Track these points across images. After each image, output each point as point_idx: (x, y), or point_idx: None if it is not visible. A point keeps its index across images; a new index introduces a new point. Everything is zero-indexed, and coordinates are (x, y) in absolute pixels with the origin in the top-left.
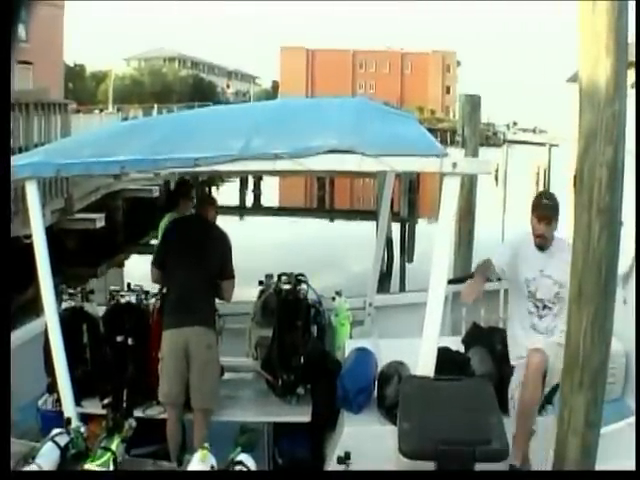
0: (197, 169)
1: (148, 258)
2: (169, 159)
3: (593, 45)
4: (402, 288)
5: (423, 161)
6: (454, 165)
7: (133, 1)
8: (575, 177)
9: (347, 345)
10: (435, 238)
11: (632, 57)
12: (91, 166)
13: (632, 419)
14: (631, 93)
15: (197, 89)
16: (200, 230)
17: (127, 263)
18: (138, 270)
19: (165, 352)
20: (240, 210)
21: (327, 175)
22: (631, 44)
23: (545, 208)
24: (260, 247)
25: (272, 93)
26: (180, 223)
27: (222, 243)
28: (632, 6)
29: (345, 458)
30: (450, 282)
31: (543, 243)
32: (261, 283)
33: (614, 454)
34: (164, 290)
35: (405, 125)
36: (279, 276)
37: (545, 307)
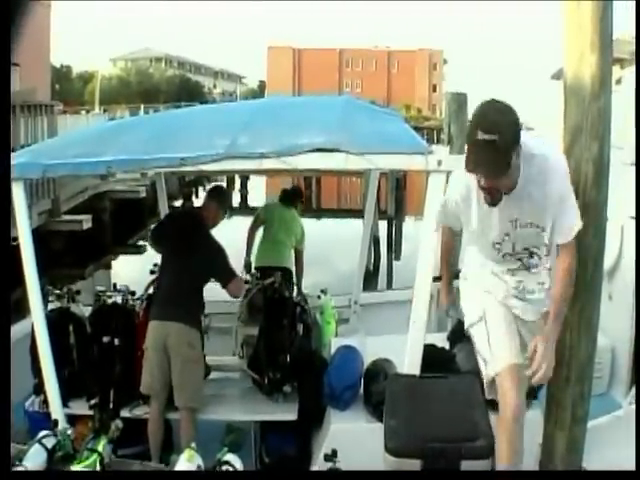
0: (183, 168)
1: (135, 259)
2: (155, 159)
3: (578, 41)
4: (389, 286)
5: (408, 159)
6: (439, 163)
7: (119, 1)
8: None
9: (333, 343)
10: (421, 235)
11: (618, 53)
12: (78, 166)
13: (619, 412)
14: (616, 89)
15: (184, 89)
16: (191, 233)
17: (114, 264)
18: (126, 271)
19: (148, 343)
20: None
21: (314, 174)
22: (617, 40)
23: (481, 149)
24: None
25: (259, 92)
26: (176, 217)
27: (210, 254)
28: (632, 6)
29: (332, 456)
30: (436, 279)
31: (494, 200)
32: (247, 282)
33: (601, 447)
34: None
35: (390, 123)
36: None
37: (533, 254)
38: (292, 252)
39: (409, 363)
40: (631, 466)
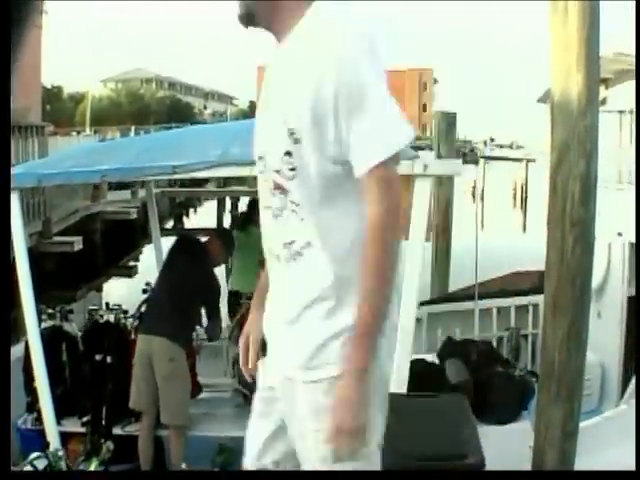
0: (176, 176)
1: (127, 281)
2: (148, 167)
3: (564, 59)
4: None
5: None
6: (425, 167)
7: (110, 22)
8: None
9: None
10: (408, 245)
11: (602, 73)
12: (72, 175)
13: (609, 413)
14: (602, 108)
15: (174, 110)
16: (195, 261)
17: (106, 286)
18: (117, 293)
19: (135, 357)
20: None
21: None
22: (601, 58)
23: None
24: None
25: (249, 113)
26: (182, 243)
27: (206, 287)
28: (632, 6)
29: None
30: (425, 303)
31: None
32: (238, 302)
33: (590, 450)
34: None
35: None
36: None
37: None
38: None
39: (396, 382)
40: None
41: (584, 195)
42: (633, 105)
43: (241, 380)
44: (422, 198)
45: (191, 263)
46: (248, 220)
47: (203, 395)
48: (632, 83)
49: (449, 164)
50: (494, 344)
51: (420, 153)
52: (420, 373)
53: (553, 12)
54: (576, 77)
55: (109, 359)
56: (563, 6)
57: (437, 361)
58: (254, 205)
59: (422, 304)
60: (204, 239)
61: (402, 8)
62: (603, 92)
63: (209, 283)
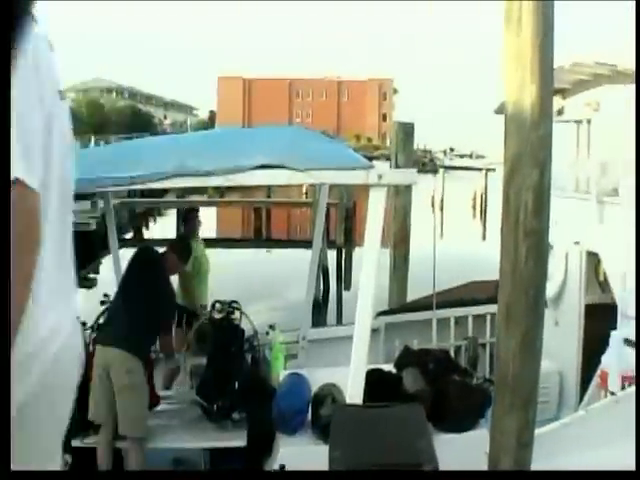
0: (132, 187)
1: (86, 292)
2: (105, 177)
3: (518, 69)
4: (339, 316)
5: (350, 174)
6: (380, 177)
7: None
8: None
9: (282, 378)
10: (364, 253)
11: (559, 83)
12: None
13: (566, 419)
14: (559, 118)
15: (135, 120)
16: (151, 273)
17: None
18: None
19: (93, 369)
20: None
21: (263, 205)
22: (559, 69)
23: None
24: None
25: (209, 123)
26: (141, 255)
27: (161, 300)
28: (632, 6)
29: (280, 469)
30: (383, 313)
31: None
32: (194, 313)
33: (547, 457)
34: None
35: (334, 144)
36: (213, 304)
37: None
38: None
39: (352, 393)
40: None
41: (537, 205)
42: (590, 115)
43: (199, 391)
44: (377, 207)
45: (149, 275)
46: (183, 245)
47: (161, 407)
48: (589, 93)
49: (404, 173)
50: (452, 353)
51: (375, 163)
52: (377, 383)
53: (507, 23)
54: (530, 88)
55: None
56: (517, 17)
57: (394, 371)
58: (190, 218)
59: (380, 314)
60: (162, 250)
61: (363, 18)
62: (560, 102)
63: (166, 295)
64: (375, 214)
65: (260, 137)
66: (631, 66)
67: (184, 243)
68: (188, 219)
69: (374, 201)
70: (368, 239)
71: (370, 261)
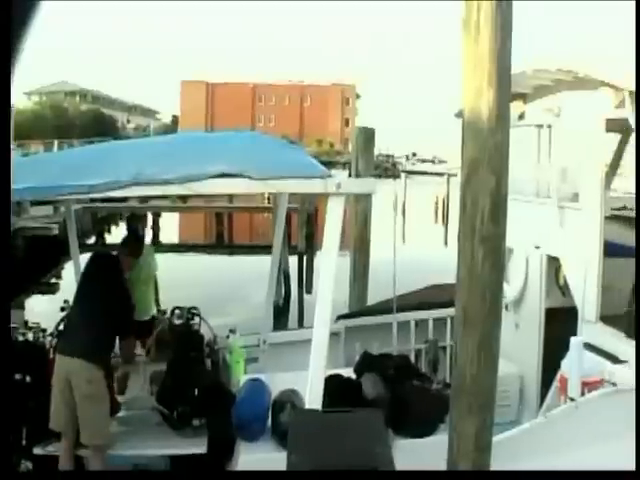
0: (92, 195)
1: (49, 298)
2: (64, 186)
3: (476, 75)
4: (300, 320)
5: (308, 183)
6: (338, 186)
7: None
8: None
9: (242, 382)
10: (321, 260)
11: (520, 88)
12: None
13: (526, 425)
14: (521, 122)
15: (98, 124)
16: (106, 278)
17: (28, 303)
18: (39, 310)
19: (54, 378)
20: None
21: (225, 210)
22: (520, 74)
23: None
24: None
25: (172, 127)
26: (97, 260)
27: (117, 304)
28: (632, 6)
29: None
30: (343, 317)
31: None
32: (154, 319)
33: (506, 463)
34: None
35: (293, 152)
36: (172, 310)
37: None
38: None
39: (310, 398)
40: None
41: (494, 211)
42: (551, 120)
43: (159, 398)
44: (335, 216)
45: (104, 280)
46: (135, 242)
47: (121, 413)
48: (550, 98)
49: (362, 182)
50: (413, 356)
51: (333, 172)
52: (337, 389)
53: (465, 29)
54: (487, 94)
55: (28, 378)
56: (475, 24)
57: (354, 376)
58: (133, 225)
59: (340, 318)
60: (115, 253)
61: (327, 21)
62: (522, 107)
63: (122, 299)
64: (333, 222)
65: (219, 144)
66: (592, 73)
67: (134, 238)
68: (131, 226)
69: (332, 210)
70: (326, 247)
71: (328, 269)
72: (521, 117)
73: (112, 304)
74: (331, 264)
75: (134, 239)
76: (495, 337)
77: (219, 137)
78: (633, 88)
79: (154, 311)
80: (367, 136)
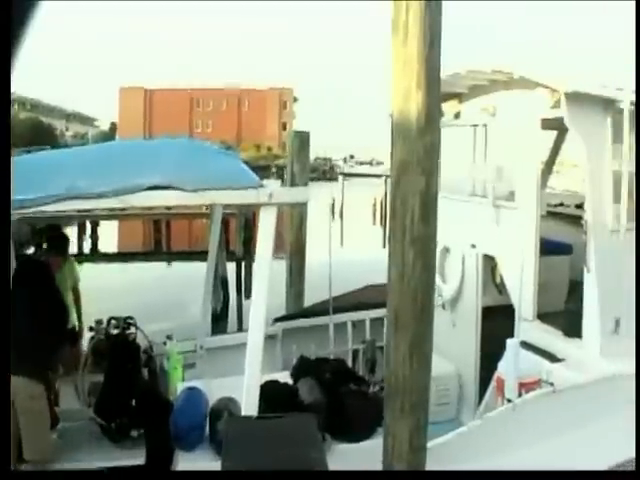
0: (22, 211)
1: None
2: None
3: (405, 77)
4: (240, 326)
5: (241, 193)
6: (270, 196)
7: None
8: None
9: (180, 388)
10: (255, 268)
11: (456, 88)
12: None
13: (463, 429)
14: (456, 122)
15: (36, 132)
16: (35, 286)
17: None
18: None
19: None
20: (78, 257)
21: (163, 217)
22: (455, 75)
23: None
24: (97, 294)
25: (110, 135)
26: (24, 265)
27: (53, 311)
28: (632, 5)
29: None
30: (280, 319)
31: None
32: (91, 329)
33: (444, 467)
34: None
35: (225, 161)
36: (108, 321)
37: None
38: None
39: (246, 404)
40: None
41: (424, 212)
42: (486, 120)
43: (97, 410)
44: (267, 225)
45: (34, 288)
46: (59, 238)
47: (60, 425)
48: (485, 98)
49: (294, 192)
50: (350, 357)
51: (265, 182)
52: (273, 395)
53: (394, 32)
54: (416, 96)
55: None
56: (403, 26)
57: (291, 380)
58: (53, 237)
59: (277, 320)
60: (43, 257)
61: (263, 26)
62: (457, 107)
63: (56, 309)
64: (266, 231)
65: (153, 153)
66: (526, 74)
67: (57, 234)
68: (50, 238)
69: (265, 219)
70: (259, 255)
71: (261, 278)
72: (457, 116)
73: (45, 314)
74: (264, 272)
75: (57, 236)
76: (427, 337)
77: (153, 146)
78: (569, 89)
79: (75, 322)
80: (302, 140)
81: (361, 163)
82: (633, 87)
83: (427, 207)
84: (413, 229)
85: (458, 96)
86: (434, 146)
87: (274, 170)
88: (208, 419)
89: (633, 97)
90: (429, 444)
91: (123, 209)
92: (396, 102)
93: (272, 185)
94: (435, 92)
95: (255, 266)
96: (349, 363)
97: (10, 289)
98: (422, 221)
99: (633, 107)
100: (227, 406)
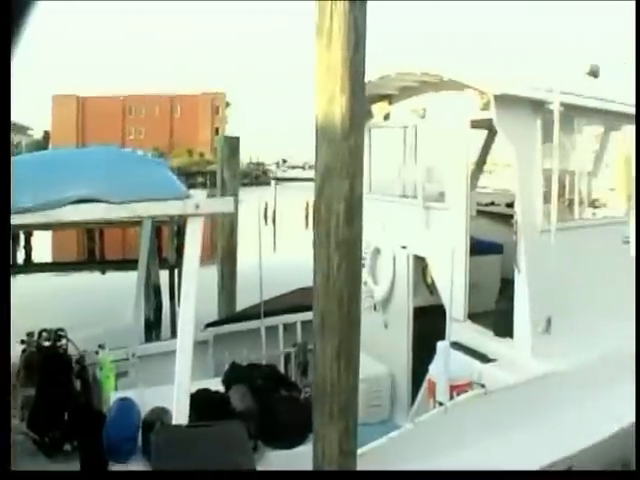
0: None
1: None
2: None
3: (329, 81)
4: (173, 333)
5: (167, 205)
6: (196, 206)
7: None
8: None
9: (113, 397)
10: (183, 279)
11: (386, 90)
12: None
13: (394, 433)
14: (386, 123)
15: None
16: None
17: None
18: None
19: None
20: (12, 268)
21: (96, 226)
22: (385, 77)
23: None
24: (31, 305)
25: (44, 144)
26: None
27: None
28: (632, 5)
29: None
30: (211, 325)
31: None
32: (23, 342)
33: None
34: None
35: (152, 171)
36: (40, 333)
37: None
38: None
39: (177, 413)
40: None
41: (349, 215)
42: (416, 121)
43: (29, 424)
44: (194, 236)
45: None
46: None
47: None
48: (415, 100)
49: (221, 202)
50: (282, 360)
51: (192, 192)
52: (205, 403)
53: (318, 35)
54: (340, 100)
55: None
56: (327, 29)
57: (223, 387)
58: None
59: (208, 326)
60: None
61: (196, 30)
62: (387, 108)
63: None
64: (192, 242)
65: (79, 164)
66: (454, 77)
67: None
68: None
69: (191, 230)
70: (187, 264)
71: (189, 285)
72: (387, 118)
73: None
74: (192, 281)
75: None
76: (354, 341)
77: (81, 156)
78: (497, 92)
79: None
80: (232, 145)
81: (294, 167)
82: (563, 88)
83: (352, 210)
84: (338, 232)
85: (388, 97)
86: (358, 149)
87: (201, 180)
88: (141, 430)
89: (563, 98)
90: (361, 449)
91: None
92: (320, 106)
93: (198, 195)
94: (360, 95)
95: (183, 275)
96: (281, 366)
97: (9, 288)
98: (347, 224)
99: (563, 108)
100: (159, 416)
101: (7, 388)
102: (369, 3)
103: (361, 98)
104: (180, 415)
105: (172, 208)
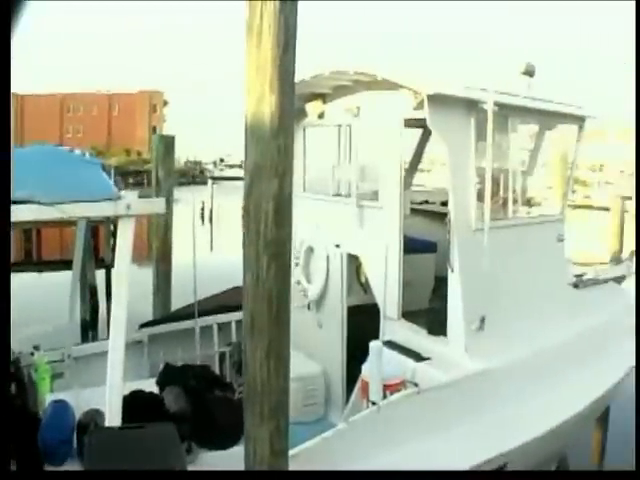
0: None
1: None
2: None
3: (258, 80)
4: (109, 334)
5: (99, 206)
6: (128, 207)
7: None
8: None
9: (48, 399)
10: (113, 281)
11: (320, 89)
12: None
13: (328, 433)
14: (321, 122)
15: None
16: None
17: None
18: None
19: None
20: None
21: (33, 226)
22: (319, 76)
23: None
24: None
25: None
26: None
27: None
28: (632, 5)
29: None
30: (146, 325)
31: None
32: None
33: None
34: None
35: (85, 171)
36: None
37: None
38: None
39: (110, 415)
40: None
41: (278, 215)
42: (350, 120)
43: None
44: (126, 236)
45: None
46: None
47: None
48: (349, 99)
49: (152, 203)
50: (217, 360)
51: (123, 192)
52: (138, 405)
53: (248, 34)
54: (269, 99)
55: None
56: (257, 28)
57: (157, 388)
58: None
59: (142, 326)
60: None
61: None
62: (321, 107)
63: None
64: (124, 243)
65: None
66: (388, 77)
67: None
68: None
69: (123, 230)
70: (118, 266)
71: (120, 286)
72: (321, 116)
73: None
74: (123, 282)
75: None
76: (284, 341)
77: (16, 156)
78: (430, 92)
79: None
80: (167, 144)
81: (231, 166)
82: (497, 88)
83: (281, 209)
84: (267, 232)
85: (322, 96)
86: (287, 148)
87: (138, 179)
88: (76, 432)
89: (497, 97)
90: (294, 450)
91: None
92: (250, 105)
93: (130, 196)
94: (290, 95)
95: (114, 275)
96: (216, 366)
97: (9, 287)
98: (276, 224)
99: (497, 107)
100: (93, 418)
101: (7, 388)
102: (301, 3)
103: (291, 97)
104: (113, 417)
105: (103, 209)
